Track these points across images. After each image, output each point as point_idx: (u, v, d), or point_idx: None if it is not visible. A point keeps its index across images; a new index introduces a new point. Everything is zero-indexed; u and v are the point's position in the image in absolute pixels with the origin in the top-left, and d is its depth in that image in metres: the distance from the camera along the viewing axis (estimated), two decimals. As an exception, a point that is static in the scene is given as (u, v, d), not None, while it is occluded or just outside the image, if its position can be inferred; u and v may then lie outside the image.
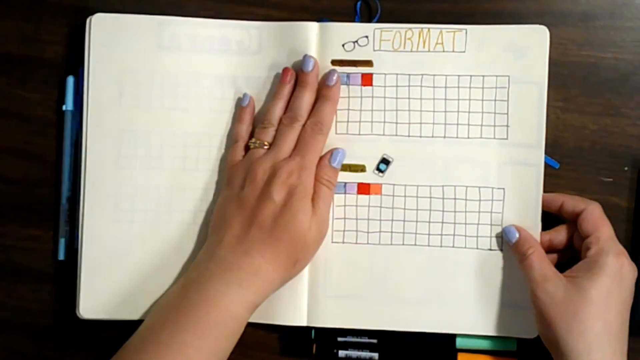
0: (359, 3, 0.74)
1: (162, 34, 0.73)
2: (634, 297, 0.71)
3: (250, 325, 0.71)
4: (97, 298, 0.73)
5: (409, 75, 0.72)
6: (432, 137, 0.72)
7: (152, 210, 0.73)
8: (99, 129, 0.73)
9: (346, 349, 0.72)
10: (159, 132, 0.73)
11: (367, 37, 0.72)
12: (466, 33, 0.72)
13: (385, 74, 0.72)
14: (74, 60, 0.75)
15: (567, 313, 0.65)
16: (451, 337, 0.72)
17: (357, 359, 0.72)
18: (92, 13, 0.74)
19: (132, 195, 0.73)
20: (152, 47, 0.73)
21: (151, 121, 0.73)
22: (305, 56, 0.71)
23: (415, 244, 0.72)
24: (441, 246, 0.72)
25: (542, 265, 0.67)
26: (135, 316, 0.72)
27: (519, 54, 0.71)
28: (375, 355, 0.72)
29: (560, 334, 0.65)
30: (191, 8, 0.74)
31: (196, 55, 0.73)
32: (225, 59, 0.73)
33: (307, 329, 0.73)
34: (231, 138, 0.73)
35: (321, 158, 0.70)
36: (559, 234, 0.71)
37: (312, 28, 0.73)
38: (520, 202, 0.71)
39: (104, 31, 0.73)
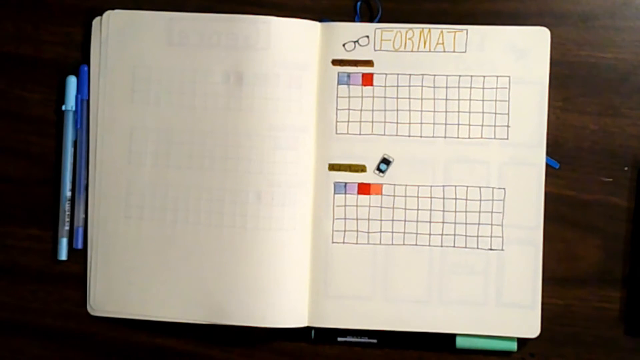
0: (359, 3, 0.74)
1: (172, 30, 0.73)
2: (634, 298, 0.71)
3: (250, 326, 0.71)
4: (107, 294, 0.73)
5: (410, 75, 0.72)
6: (433, 137, 0.72)
7: (161, 208, 0.73)
8: (111, 125, 0.73)
9: None
10: (168, 130, 0.73)
11: (367, 37, 0.73)
12: (467, 33, 0.72)
13: (386, 74, 0.72)
14: (74, 60, 0.75)
15: None
16: (451, 337, 0.72)
17: None
18: (92, 13, 0.74)
19: (141, 192, 0.73)
20: (163, 44, 0.73)
21: (160, 118, 0.73)
22: None
23: (416, 244, 0.72)
24: (442, 246, 0.72)
25: None
26: (143, 314, 0.73)
27: (520, 54, 0.72)
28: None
29: None
30: (191, 8, 0.74)
31: (203, 51, 0.73)
32: (232, 55, 0.73)
33: (307, 330, 0.73)
34: (238, 136, 0.72)
35: None
36: None
37: (314, 27, 0.73)
38: (521, 202, 0.71)
39: (116, 28, 0.73)
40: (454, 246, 0.72)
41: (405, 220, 0.72)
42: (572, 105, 0.73)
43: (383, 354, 0.73)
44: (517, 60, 0.72)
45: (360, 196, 0.73)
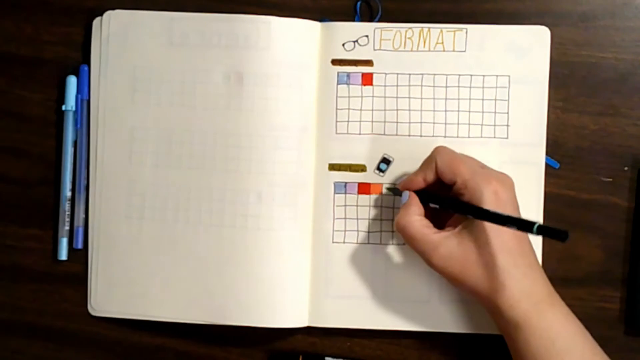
0: (359, 3, 0.74)
1: (173, 30, 0.73)
2: (634, 298, 0.71)
3: (250, 326, 0.71)
4: (107, 294, 0.73)
5: (410, 74, 0.72)
6: (433, 136, 0.72)
7: (161, 208, 0.73)
8: (112, 125, 0.74)
9: None
10: (168, 130, 0.73)
11: (367, 36, 0.73)
12: (466, 33, 0.72)
13: (385, 74, 0.72)
14: (74, 60, 0.75)
15: (471, 264, 0.64)
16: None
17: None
18: (92, 13, 0.74)
19: (142, 192, 0.73)
20: (164, 44, 0.73)
21: (161, 118, 0.73)
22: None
23: (415, 244, 0.72)
24: (442, 246, 0.72)
25: (425, 233, 0.66)
26: (143, 314, 0.73)
27: (520, 54, 0.72)
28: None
29: (476, 284, 0.64)
30: (191, 8, 0.74)
31: (204, 51, 0.73)
32: (232, 55, 0.73)
33: (307, 330, 0.73)
34: (239, 136, 0.72)
35: None
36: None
37: (314, 27, 0.73)
38: (521, 201, 0.71)
39: (117, 28, 0.73)
40: (454, 246, 0.72)
41: (405, 220, 0.72)
42: (572, 105, 0.73)
43: (383, 354, 0.73)
44: (517, 59, 0.72)
45: (361, 196, 0.73)
